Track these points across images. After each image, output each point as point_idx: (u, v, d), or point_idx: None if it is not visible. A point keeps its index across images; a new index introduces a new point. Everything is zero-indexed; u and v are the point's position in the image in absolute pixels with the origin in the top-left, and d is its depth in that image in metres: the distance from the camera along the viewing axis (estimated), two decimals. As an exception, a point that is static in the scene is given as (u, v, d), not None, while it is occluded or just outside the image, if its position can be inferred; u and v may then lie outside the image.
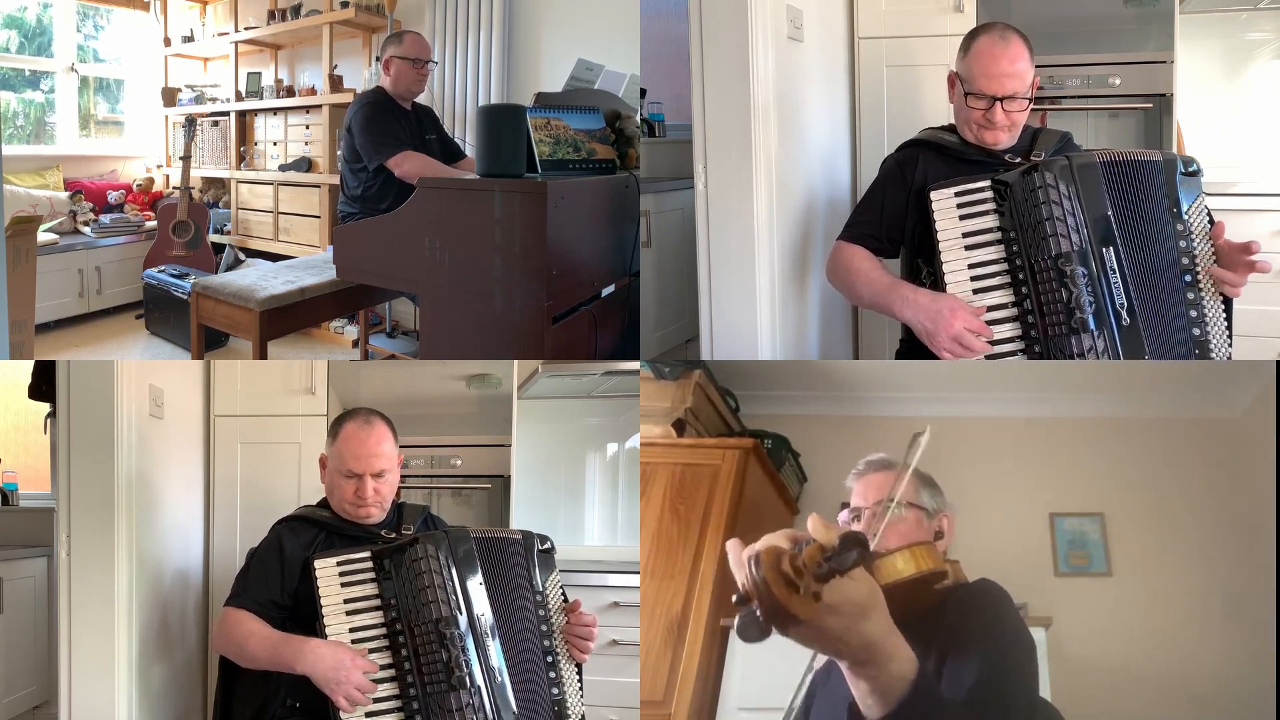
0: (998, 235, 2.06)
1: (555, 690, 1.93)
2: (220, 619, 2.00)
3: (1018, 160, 2.14)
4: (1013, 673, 1.33)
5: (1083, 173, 2.03)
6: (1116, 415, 3.06)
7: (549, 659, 1.94)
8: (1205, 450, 2.99)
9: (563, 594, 2.05)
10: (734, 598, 0.96)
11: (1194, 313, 2.02)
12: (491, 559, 1.95)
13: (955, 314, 2.02)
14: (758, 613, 0.93)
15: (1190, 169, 2.06)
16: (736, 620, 0.95)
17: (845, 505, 1.66)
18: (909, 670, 1.04)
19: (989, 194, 2.07)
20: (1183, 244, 2.03)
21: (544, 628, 1.96)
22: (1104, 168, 2.04)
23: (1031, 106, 2.22)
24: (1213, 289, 2.04)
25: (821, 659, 1.37)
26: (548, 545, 2.03)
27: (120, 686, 2.13)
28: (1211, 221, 2.08)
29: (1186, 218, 2.04)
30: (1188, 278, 2.02)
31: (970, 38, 2.23)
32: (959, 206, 2.07)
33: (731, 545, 1.02)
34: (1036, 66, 2.21)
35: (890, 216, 2.29)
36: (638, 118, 3.43)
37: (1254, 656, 2.64)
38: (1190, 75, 3.28)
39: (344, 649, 1.82)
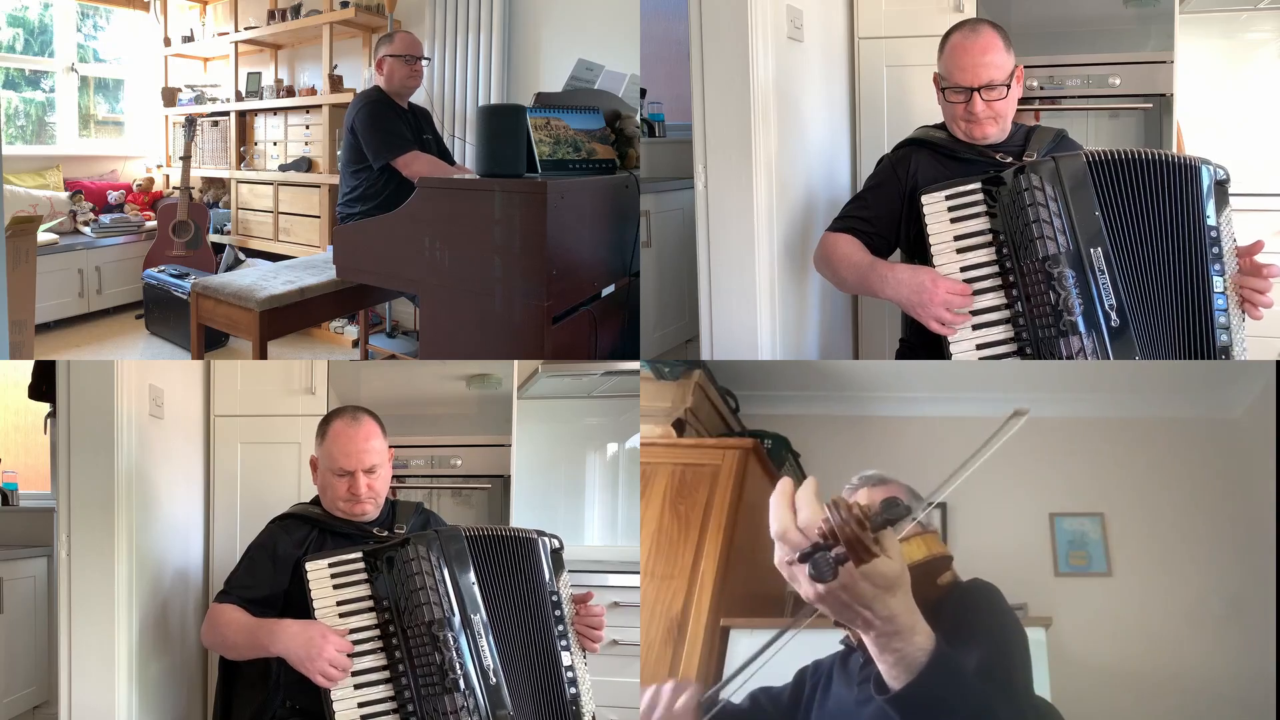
0: (989, 237, 2.04)
1: (573, 690, 1.94)
2: (207, 614, 2.02)
3: (1009, 160, 2.12)
4: (1010, 659, 1.46)
5: (1070, 173, 1.99)
6: (1116, 415, 3.06)
7: (566, 657, 1.95)
8: (1205, 450, 2.98)
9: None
10: (800, 552, 1.08)
11: (1222, 319, 1.99)
12: (495, 557, 1.95)
13: (936, 283, 2.02)
14: (832, 554, 1.05)
15: (1219, 177, 2.00)
16: (810, 564, 1.06)
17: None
18: (928, 643, 1.15)
19: (980, 195, 2.05)
20: (1214, 250, 1.98)
21: (560, 628, 1.96)
22: (1093, 167, 1.99)
23: (1018, 95, 2.20)
24: (1237, 301, 2.01)
25: (811, 656, 1.60)
26: (558, 545, 2.03)
27: (120, 686, 2.14)
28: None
29: (1215, 225, 1.98)
30: (1219, 284, 1.98)
31: (945, 37, 2.24)
32: (950, 209, 2.06)
33: (786, 492, 1.13)
34: (1036, 66, 2.20)
35: (881, 212, 2.27)
36: (638, 118, 3.43)
37: (1254, 657, 2.64)
38: (1190, 75, 3.28)
39: (316, 626, 1.83)
